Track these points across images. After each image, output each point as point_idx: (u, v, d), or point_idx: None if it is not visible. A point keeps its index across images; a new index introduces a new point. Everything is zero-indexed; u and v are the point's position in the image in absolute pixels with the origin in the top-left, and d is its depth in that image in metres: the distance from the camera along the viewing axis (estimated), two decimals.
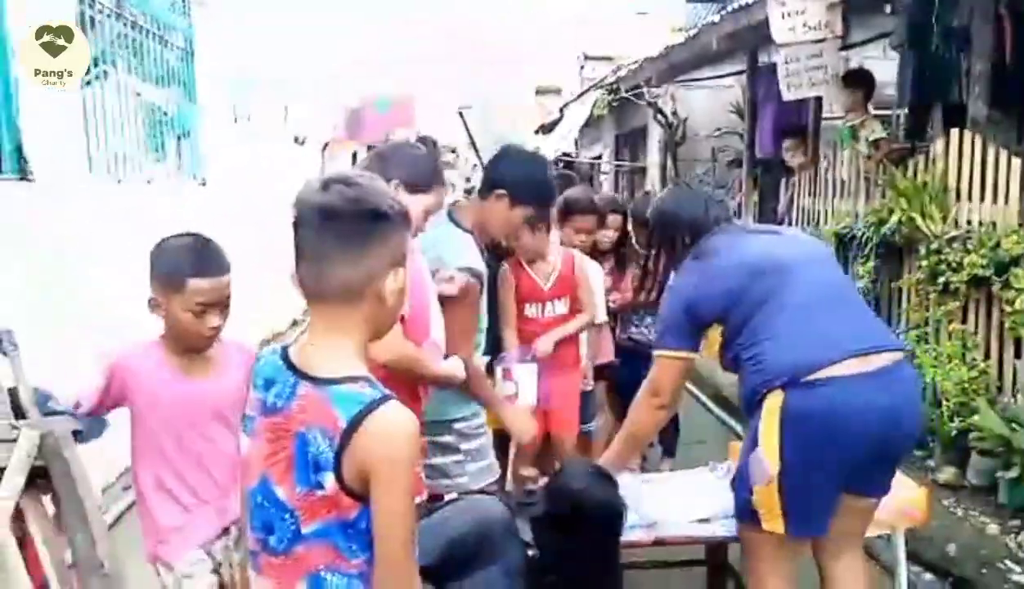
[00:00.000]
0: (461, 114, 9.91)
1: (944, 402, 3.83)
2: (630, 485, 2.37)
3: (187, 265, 1.88)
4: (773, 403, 1.96)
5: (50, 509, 1.90)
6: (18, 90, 3.69)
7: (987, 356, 3.82)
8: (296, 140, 10.51)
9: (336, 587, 1.26)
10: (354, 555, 1.25)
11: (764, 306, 2.03)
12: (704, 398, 5.59)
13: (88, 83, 4.34)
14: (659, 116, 9.94)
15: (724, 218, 2.29)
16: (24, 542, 1.80)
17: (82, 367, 2.12)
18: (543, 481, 2.28)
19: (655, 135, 10.66)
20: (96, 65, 4.39)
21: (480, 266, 2.36)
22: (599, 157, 13.92)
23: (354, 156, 12.59)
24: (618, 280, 3.81)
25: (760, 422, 1.99)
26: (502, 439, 2.83)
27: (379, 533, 1.22)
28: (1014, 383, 3.68)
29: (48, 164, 3.89)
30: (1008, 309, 3.57)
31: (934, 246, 4.04)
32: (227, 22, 7.08)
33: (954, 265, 3.89)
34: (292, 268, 1.32)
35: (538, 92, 18.41)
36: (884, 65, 6.54)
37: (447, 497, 2.19)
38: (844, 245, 4.97)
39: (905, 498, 2.49)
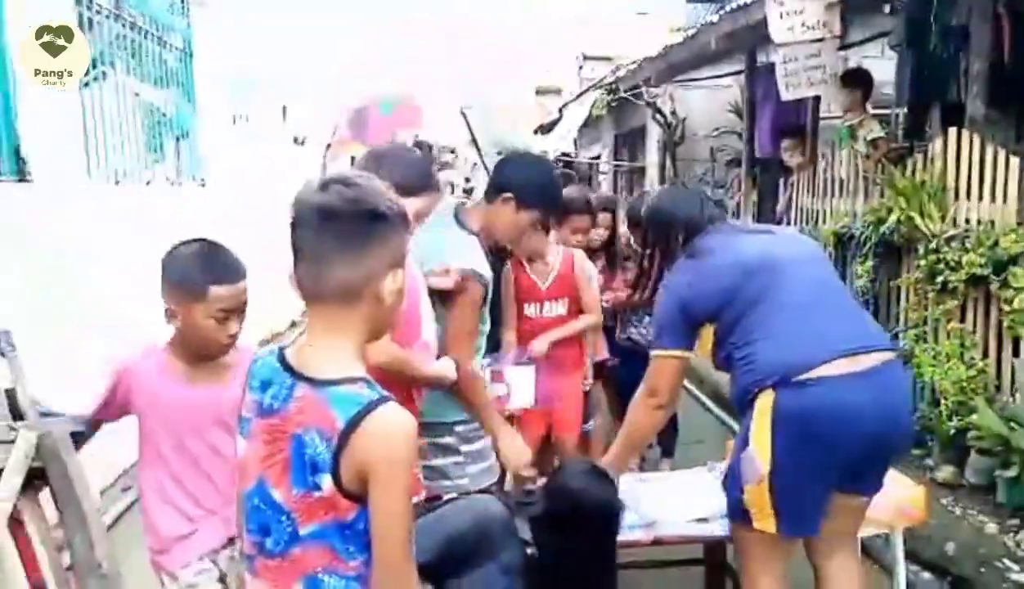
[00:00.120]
0: (464, 114, 9.89)
1: (942, 401, 3.83)
2: (629, 485, 2.38)
3: (207, 273, 1.85)
4: (764, 403, 1.97)
5: (49, 510, 1.90)
6: (16, 91, 3.69)
7: (985, 355, 3.82)
8: (295, 140, 10.51)
9: None
10: (352, 557, 1.25)
11: (757, 305, 2.04)
12: (703, 398, 5.60)
13: (86, 84, 4.34)
14: (658, 116, 9.95)
15: (718, 217, 2.29)
16: (21, 543, 1.80)
17: (82, 367, 2.13)
18: (542, 481, 2.28)
19: (654, 135, 10.67)
20: (94, 66, 4.39)
21: (485, 269, 2.35)
22: (598, 157, 13.93)
23: (352, 159, 12.57)
24: (609, 279, 3.82)
25: (751, 421, 2.00)
26: None
27: (377, 534, 1.21)
28: (1012, 382, 3.68)
29: (46, 165, 3.89)
30: (1006, 308, 3.58)
31: (932, 245, 4.04)
32: (227, 22, 7.09)
33: (952, 264, 3.89)
34: (290, 269, 1.32)
35: (538, 92, 18.41)
36: (882, 64, 6.54)
37: (446, 498, 2.20)
38: (843, 244, 4.98)
39: (904, 497, 2.50)
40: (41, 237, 3.75)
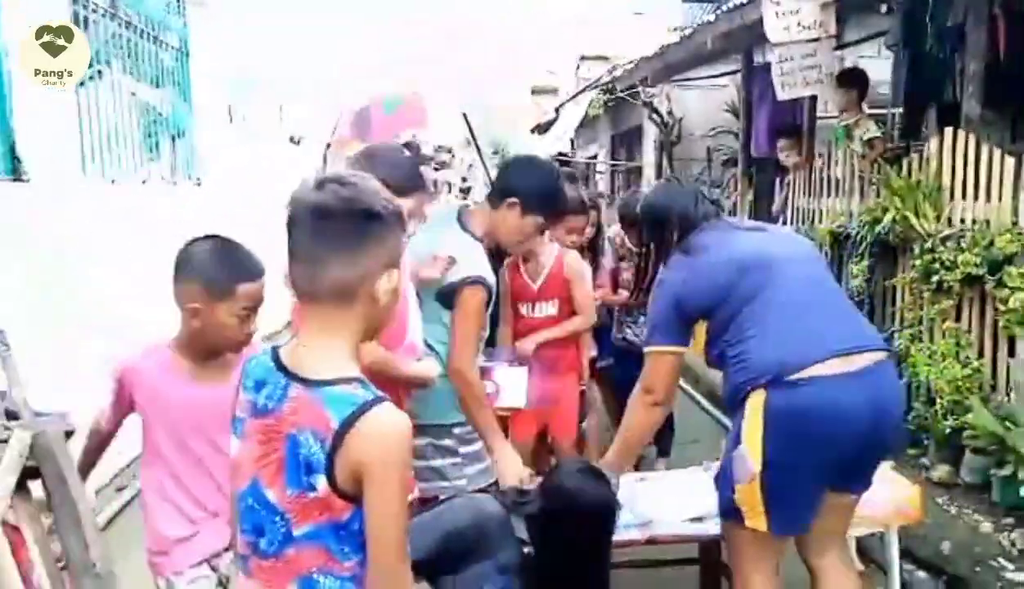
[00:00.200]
0: (465, 116, 9.88)
1: (938, 400, 3.84)
2: (625, 484, 2.38)
3: (234, 271, 1.82)
4: (756, 401, 1.97)
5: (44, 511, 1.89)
6: (11, 90, 3.68)
7: (981, 354, 3.83)
8: (292, 140, 10.49)
9: None
10: (346, 557, 1.24)
11: (751, 303, 2.04)
12: (699, 397, 5.60)
13: (82, 83, 4.33)
14: (654, 115, 9.96)
15: (713, 214, 2.28)
16: (15, 543, 1.79)
17: (82, 367, 2.12)
18: (538, 480, 2.28)
19: (651, 135, 10.68)
20: (90, 65, 4.37)
21: (491, 276, 2.35)
22: (595, 157, 13.93)
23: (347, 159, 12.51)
24: (594, 278, 3.81)
25: (743, 420, 2.00)
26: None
27: (372, 534, 1.21)
28: (1007, 381, 3.68)
29: (42, 165, 3.89)
30: (1001, 307, 3.58)
31: (928, 245, 4.05)
32: (226, 22, 7.08)
33: (948, 264, 3.89)
34: (285, 268, 1.32)
35: (534, 92, 18.42)
36: (879, 64, 6.56)
37: (442, 498, 2.20)
38: (839, 244, 4.98)
39: (899, 496, 2.50)
40: (38, 237, 3.74)
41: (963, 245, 3.86)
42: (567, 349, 3.29)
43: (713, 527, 2.28)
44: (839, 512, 2.14)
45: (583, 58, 15.68)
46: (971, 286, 3.83)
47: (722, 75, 9.03)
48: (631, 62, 9.75)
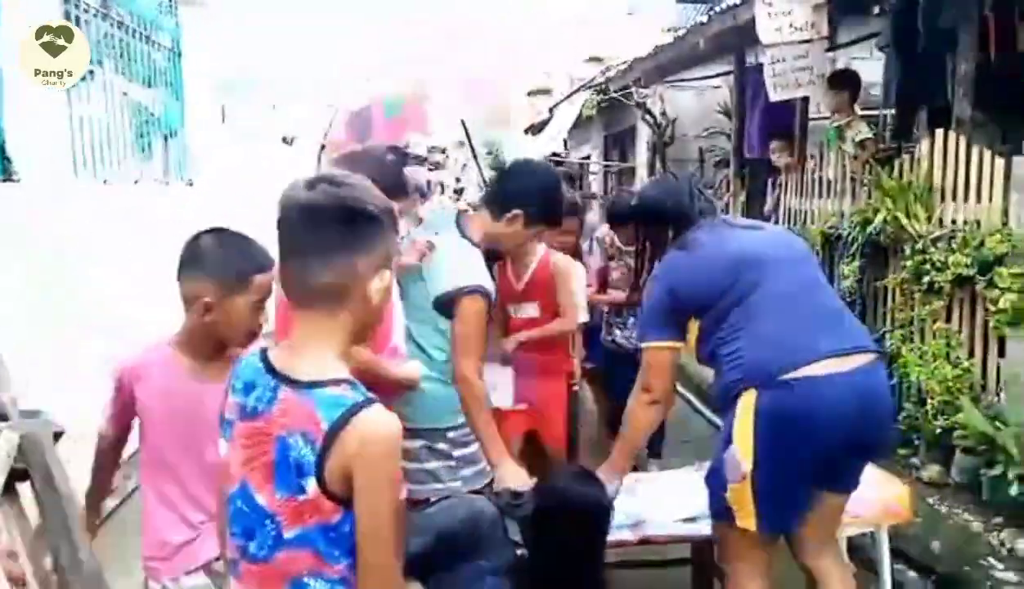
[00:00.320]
0: (463, 123, 9.85)
1: (928, 400, 3.86)
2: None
3: (250, 262, 1.79)
4: (748, 401, 1.97)
5: (32, 512, 1.88)
6: (1, 90, 3.66)
7: (971, 355, 3.85)
8: (284, 140, 10.46)
9: None
10: (337, 560, 1.24)
11: (744, 301, 2.04)
12: (689, 396, 5.61)
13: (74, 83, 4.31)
14: (647, 116, 9.97)
15: (709, 211, 2.28)
16: (3, 545, 1.78)
17: (82, 367, 2.10)
18: (531, 482, 2.28)
19: (643, 136, 10.69)
20: None
21: (489, 284, 2.33)
22: (588, 157, 13.94)
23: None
24: None
25: (735, 419, 2.00)
26: None
27: (364, 536, 1.21)
28: (998, 381, 3.70)
29: (33, 164, 3.86)
30: (992, 308, 3.60)
31: (919, 246, 4.07)
32: (225, 22, 7.04)
33: (939, 264, 3.91)
34: (275, 268, 1.31)
35: (529, 93, 18.39)
36: (871, 66, 6.59)
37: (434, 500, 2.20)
38: (830, 244, 5.00)
39: (890, 496, 2.51)
40: (34, 237, 3.72)
41: (954, 246, 3.88)
42: (552, 353, 3.23)
43: (705, 527, 2.29)
44: (829, 511, 2.15)
45: (587, 60, 15.67)
46: (962, 287, 3.85)
47: (715, 76, 9.05)
48: (624, 63, 9.76)
